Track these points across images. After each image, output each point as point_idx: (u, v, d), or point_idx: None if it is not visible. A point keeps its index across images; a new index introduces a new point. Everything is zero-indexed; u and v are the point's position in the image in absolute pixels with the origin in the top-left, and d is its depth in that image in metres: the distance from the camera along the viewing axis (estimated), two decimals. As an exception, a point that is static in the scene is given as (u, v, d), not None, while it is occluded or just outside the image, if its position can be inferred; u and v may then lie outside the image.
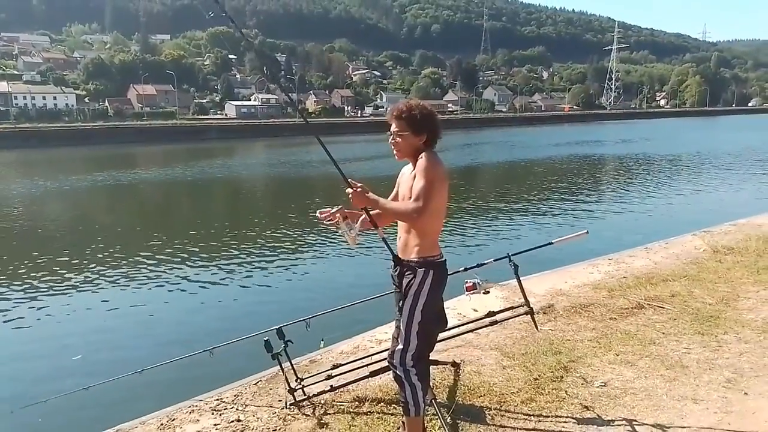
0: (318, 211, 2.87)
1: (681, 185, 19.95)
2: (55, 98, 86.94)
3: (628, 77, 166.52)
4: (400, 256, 2.86)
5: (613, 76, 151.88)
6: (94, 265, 10.59)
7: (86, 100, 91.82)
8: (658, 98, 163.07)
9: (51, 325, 7.72)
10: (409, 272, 2.79)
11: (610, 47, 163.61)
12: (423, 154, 2.71)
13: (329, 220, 2.84)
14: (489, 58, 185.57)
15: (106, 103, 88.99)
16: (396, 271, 2.88)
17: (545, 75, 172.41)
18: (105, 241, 12.79)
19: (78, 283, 9.47)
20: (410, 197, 2.71)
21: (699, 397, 3.44)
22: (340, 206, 2.82)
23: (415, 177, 2.71)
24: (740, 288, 5.54)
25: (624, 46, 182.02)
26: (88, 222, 16.91)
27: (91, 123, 70.87)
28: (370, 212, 2.81)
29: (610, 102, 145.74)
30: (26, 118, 74.93)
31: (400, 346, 2.78)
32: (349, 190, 2.71)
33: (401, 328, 2.79)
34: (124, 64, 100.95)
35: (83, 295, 8.91)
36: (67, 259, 11.16)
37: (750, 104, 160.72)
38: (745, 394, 3.46)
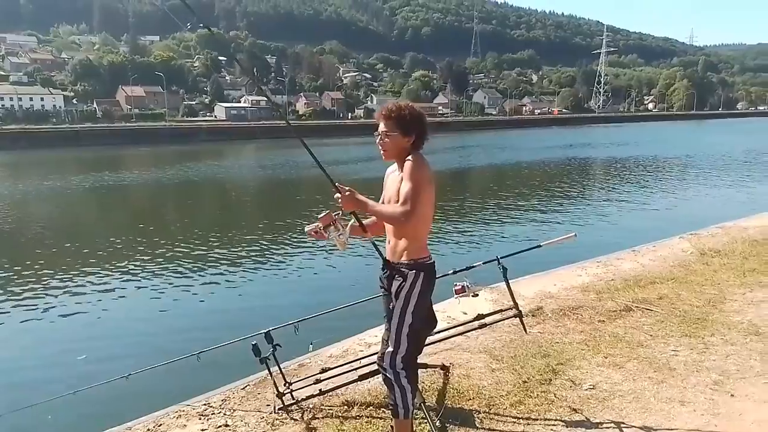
0: (306, 228, 2.85)
1: (668, 188, 20.12)
2: (42, 99, 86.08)
3: (617, 81, 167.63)
4: (389, 258, 2.86)
5: (601, 79, 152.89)
6: (79, 268, 10.48)
7: (74, 101, 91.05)
8: (646, 102, 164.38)
9: (35, 330, 7.62)
10: (399, 275, 2.79)
11: (598, 51, 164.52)
12: (410, 157, 2.71)
13: (317, 235, 2.81)
14: (479, 61, 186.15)
15: (95, 105, 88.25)
16: (385, 273, 2.87)
17: (535, 78, 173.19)
18: (91, 244, 12.66)
19: (62, 287, 9.36)
20: (397, 200, 2.71)
21: (686, 399, 3.46)
22: (327, 211, 2.78)
23: (402, 180, 2.70)
24: (727, 290, 5.59)
25: (612, 49, 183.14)
26: (74, 225, 16.75)
27: (79, 124, 70.22)
28: (360, 218, 2.80)
29: (599, 105, 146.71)
30: (13, 119, 74.17)
31: (390, 349, 2.77)
32: (338, 195, 2.70)
33: (391, 330, 2.79)
34: (113, 66, 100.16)
35: (68, 298, 8.80)
36: (52, 262, 11.04)
37: (738, 106, 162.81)
38: (732, 395, 3.49)
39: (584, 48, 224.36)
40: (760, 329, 4.52)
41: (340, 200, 2.70)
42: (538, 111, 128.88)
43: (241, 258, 11.03)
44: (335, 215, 2.78)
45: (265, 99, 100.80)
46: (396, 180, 2.79)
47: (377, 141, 2.82)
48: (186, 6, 2.89)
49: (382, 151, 2.83)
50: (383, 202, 2.90)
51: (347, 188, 2.70)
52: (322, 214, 2.78)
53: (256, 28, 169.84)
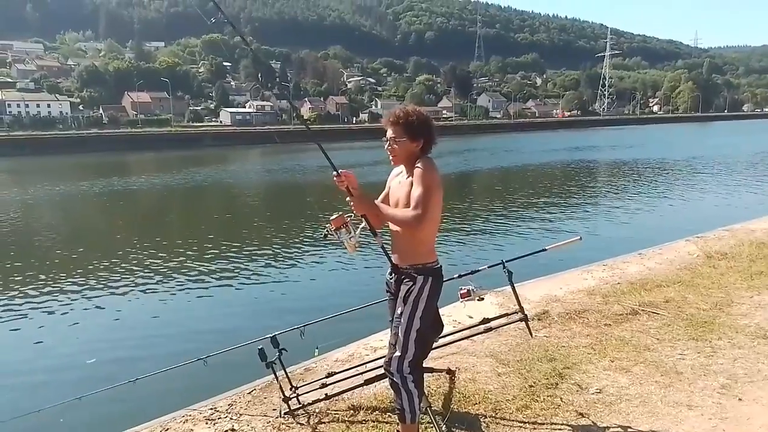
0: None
1: (674, 191, 20.04)
2: (49, 106, 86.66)
3: (621, 83, 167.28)
4: (397, 263, 2.88)
5: (606, 82, 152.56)
6: (85, 273, 10.52)
7: (80, 107, 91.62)
8: (651, 104, 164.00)
9: (45, 334, 7.65)
10: (408, 279, 2.80)
11: (602, 54, 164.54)
12: (420, 162, 2.74)
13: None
14: (483, 65, 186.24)
15: (101, 111, 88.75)
16: (393, 277, 2.89)
17: (539, 81, 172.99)
18: (97, 249, 12.72)
19: (69, 293, 9.40)
20: (406, 204, 2.74)
21: (694, 404, 3.44)
22: (339, 213, 2.85)
23: (412, 184, 2.72)
24: (734, 293, 5.56)
25: (617, 52, 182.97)
26: (80, 230, 16.83)
27: (85, 130, 70.64)
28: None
29: (604, 108, 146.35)
30: (20, 125, 74.69)
31: (398, 353, 2.78)
32: (350, 198, 2.75)
33: (399, 334, 2.79)
34: (119, 72, 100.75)
35: (75, 304, 8.83)
36: (61, 267, 11.09)
37: (744, 108, 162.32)
38: (740, 399, 3.47)
39: (588, 51, 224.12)
40: (767, 333, 4.49)
41: (351, 203, 2.75)
42: (569, 113, 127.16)
43: (248, 262, 11.05)
44: (347, 218, 2.84)
45: (270, 104, 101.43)
46: (405, 183, 2.81)
47: (386, 147, 2.85)
48: (215, 6, 2.99)
49: (391, 157, 2.86)
50: (386, 201, 2.94)
51: (359, 191, 2.75)
52: (333, 216, 2.84)
53: (261, 34, 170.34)
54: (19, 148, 54.91)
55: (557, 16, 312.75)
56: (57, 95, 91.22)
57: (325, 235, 2.89)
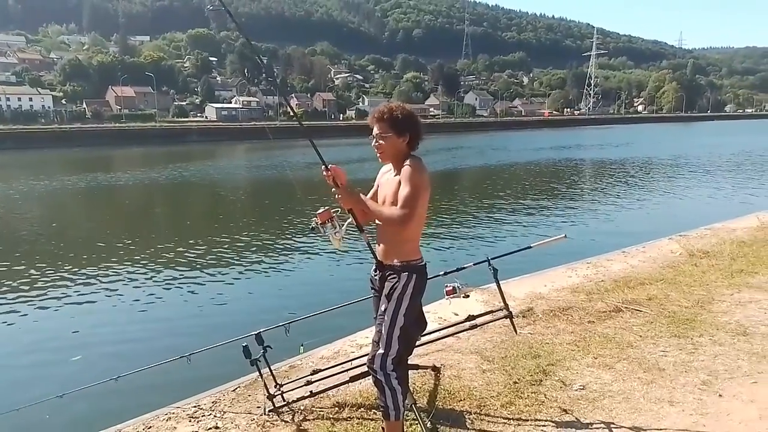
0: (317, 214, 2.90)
1: (658, 190, 20.26)
2: (30, 99, 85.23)
3: (607, 83, 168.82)
4: (382, 260, 2.88)
5: (592, 81, 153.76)
6: (70, 269, 10.38)
7: (63, 101, 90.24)
8: (635, 104, 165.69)
9: (24, 331, 7.54)
10: (392, 276, 2.81)
11: (589, 53, 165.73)
12: (408, 161, 2.75)
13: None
14: (470, 63, 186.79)
15: (84, 105, 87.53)
16: (377, 274, 2.89)
17: (525, 80, 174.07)
18: (80, 245, 12.55)
19: (53, 289, 9.27)
20: (393, 201, 2.75)
21: (675, 400, 3.48)
22: (326, 207, 2.86)
23: (400, 183, 2.73)
24: (715, 291, 5.64)
25: (602, 52, 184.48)
26: (63, 226, 16.59)
27: (68, 125, 69.64)
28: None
29: (589, 107, 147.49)
30: (0, 119, 73.42)
31: (381, 351, 2.78)
32: (336, 192, 2.77)
33: (383, 332, 2.79)
34: (103, 66, 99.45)
35: (57, 300, 8.71)
36: (42, 264, 10.92)
37: (726, 109, 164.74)
38: (720, 396, 3.52)
39: (574, 50, 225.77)
40: (747, 330, 4.56)
41: (339, 196, 2.76)
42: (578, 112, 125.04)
43: (233, 259, 10.98)
44: (333, 212, 2.86)
45: (256, 100, 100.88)
46: (393, 181, 2.82)
47: (373, 144, 2.86)
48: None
49: (378, 153, 2.87)
50: (375, 198, 2.94)
51: (346, 186, 2.78)
52: (320, 210, 2.86)
53: (248, 29, 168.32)
54: (0, 142, 54.01)
55: (544, 15, 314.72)
56: (39, 89, 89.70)
57: (312, 229, 2.89)
